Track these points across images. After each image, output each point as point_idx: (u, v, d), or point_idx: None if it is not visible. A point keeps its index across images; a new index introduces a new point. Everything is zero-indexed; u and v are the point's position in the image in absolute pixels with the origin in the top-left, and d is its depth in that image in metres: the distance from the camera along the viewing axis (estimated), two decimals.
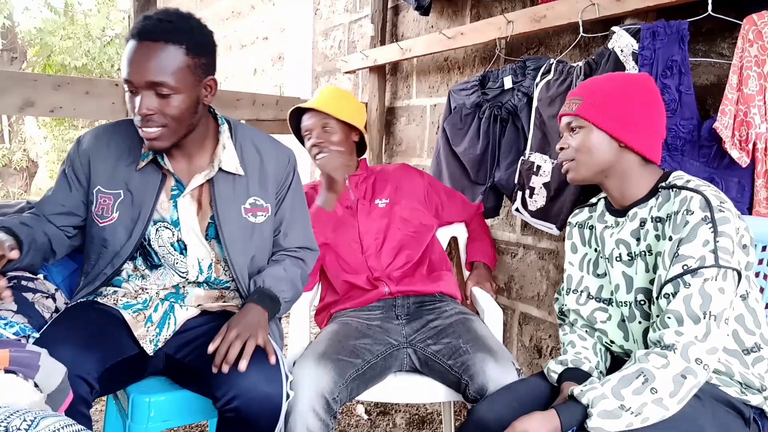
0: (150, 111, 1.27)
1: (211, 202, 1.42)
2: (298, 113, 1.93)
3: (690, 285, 1.06)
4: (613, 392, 1.06)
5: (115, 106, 2.31)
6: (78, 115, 2.39)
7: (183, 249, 1.44)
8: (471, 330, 1.58)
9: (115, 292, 1.45)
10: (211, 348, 1.25)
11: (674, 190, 1.17)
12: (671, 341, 1.06)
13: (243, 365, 1.21)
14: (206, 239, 1.44)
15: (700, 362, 1.04)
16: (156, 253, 1.44)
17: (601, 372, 1.28)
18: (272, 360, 1.27)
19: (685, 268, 1.07)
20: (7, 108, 2.23)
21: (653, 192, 1.22)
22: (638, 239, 1.21)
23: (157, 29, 1.26)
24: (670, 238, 1.12)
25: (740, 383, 1.14)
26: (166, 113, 1.28)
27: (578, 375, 1.24)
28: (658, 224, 1.17)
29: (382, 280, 1.74)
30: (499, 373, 1.42)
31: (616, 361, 1.30)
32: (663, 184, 1.21)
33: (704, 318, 1.05)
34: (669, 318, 1.08)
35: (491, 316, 1.72)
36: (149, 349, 1.39)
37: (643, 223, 1.21)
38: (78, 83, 2.29)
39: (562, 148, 1.28)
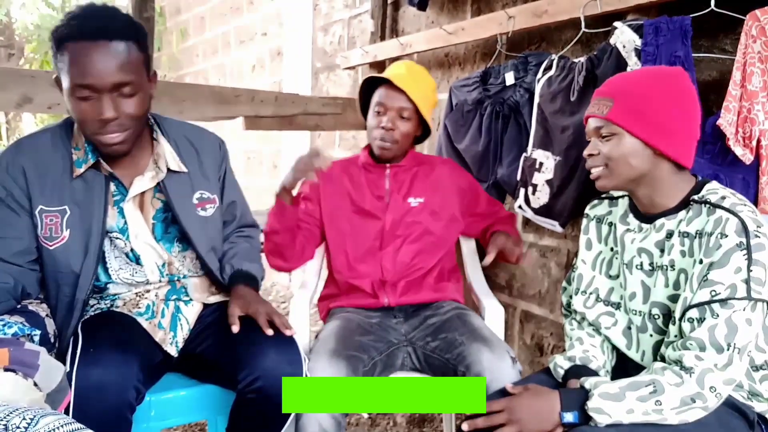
0: (116, 115, 1.21)
1: (153, 201, 1.40)
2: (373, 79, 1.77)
3: (718, 315, 1.03)
4: (619, 389, 1.07)
5: None
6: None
7: (137, 258, 1.40)
8: (466, 323, 1.58)
9: (115, 299, 1.43)
10: (235, 329, 1.29)
11: (708, 206, 1.10)
12: (690, 364, 1.04)
13: (270, 332, 1.30)
14: (156, 241, 1.41)
15: (714, 390, 1.03)
16: (107, 269, 1.39)
17: (607, 371, 1.27)
18: (288, 333, 1.31)
19: (713, 294, 1.04)
20: (4, 104, 2.22)
21: (684, 203, 1.15)
22: (662, 250, 1.16)
23: (107, 26, 1.20)
24: (701, 261, 1.07)
25: (748, 391, 1.14)
26: (130, 114, 1.24)
27: (585, 373, 1.23)
28: (685, 239, 1.12)
29: (385, 290, 1.70)
30: (494, 361, 1.42)
31: (622, 360, 1.29)
32: (695, 196, 1.13)
33: (727, 349, 1.02)
34: (691, 344, 1.05)
35: (492, 313, 1.71)
36: (173, 351, 1.41)
37: (669, 235, 1.15)
38: None
39: (591, 155, 1.19)
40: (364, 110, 1.80)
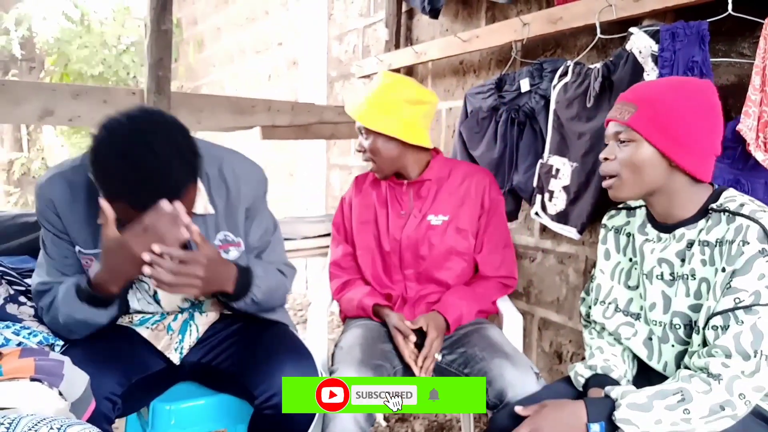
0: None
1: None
2: None
3: (742, 322, 1.02)
4: (647, 398, 1.06)
5: None
6: (96, 124, 2.42)
7: (158, 301, 1.39)
8: (486, 337, 1.56)
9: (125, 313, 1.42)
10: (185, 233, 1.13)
11: (727, 214, 1.09)
12: (717, 371, 1.03)
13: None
14: None
15: (743, 397, 1.02)
16: (128, 303, 1.37)
17: (628, 380, 1.26)
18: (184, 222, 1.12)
19: (737, 301, 1.03)
20: (27, 117, 2.27)
21: (702, 212, 1.14)
22: (683, 260, 1.15)
23: (160, 195, 1.11)
24: (723, 269, 1.06)
25: None
26: None
27: (606, 382, 1.21)
28: (706, 248, 1.11)
29: (403, 311, 1.67)
30: (517, 377, 1.40)
31: (643, 369, 1.28)
32: (714, 205, 1.12)
33: (755, 357, 1.01)
34: (717, 351, 1.04)
35: (510, 322, 1.70)
36: (175, 359, 1.39)
37: (690, 244, 1.14)
38: (96, 92, 2.32)
39: (606, 159, 1.17)
40: None
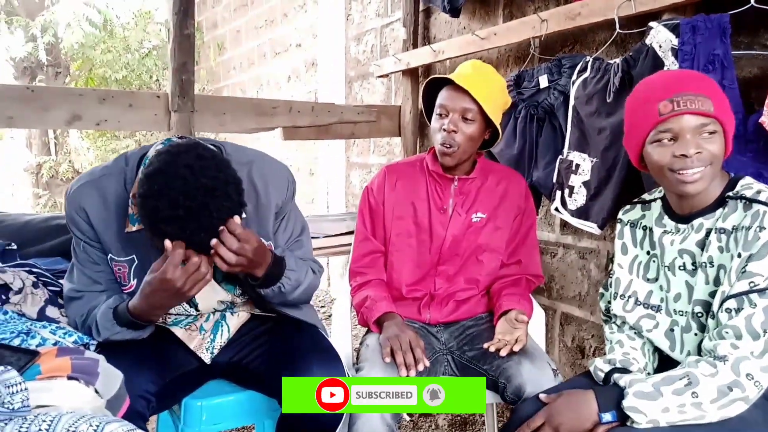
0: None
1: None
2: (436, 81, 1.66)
3: (756, 304, 1.04)
4: (653, 386, 1.07)
5: (158, 117, 2.39)
6: (122, 128, 2.47)
7: (196, 305, 1.40)
8: None
9: None
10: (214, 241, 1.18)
11: (744, 201, 1.11)
12: (724, 353, 1.04)
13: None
14: (219, 283, 1.40)
15: (751, 378, 1.02)
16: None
17: (648, 373, 1.26)
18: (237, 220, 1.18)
19: (752, 285, 1.04)
20: (56, 122, 2.33)
21: (720, 201, 1.15)
22: (702, 248, 1.16)
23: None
24: (739, 255, 1.07)
25: None
26: None
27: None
28: (722, 236, 1.13)
29: (430, 308, 1.68)
30: (535, 373, 1.41)
31: (664, 361, 1.28)
32: (730, 193, 1.14)
33: (764, 336, 1.02)
34: (727, 332, 1.06)
35: (533, 317, 1.70)
36: (206, 358, 1.42)
37: (708, 233, 1.15)
38: (122, 96, 2.37)
39: (698, 152, 1.09)
40: (429, 114, 1.70)
